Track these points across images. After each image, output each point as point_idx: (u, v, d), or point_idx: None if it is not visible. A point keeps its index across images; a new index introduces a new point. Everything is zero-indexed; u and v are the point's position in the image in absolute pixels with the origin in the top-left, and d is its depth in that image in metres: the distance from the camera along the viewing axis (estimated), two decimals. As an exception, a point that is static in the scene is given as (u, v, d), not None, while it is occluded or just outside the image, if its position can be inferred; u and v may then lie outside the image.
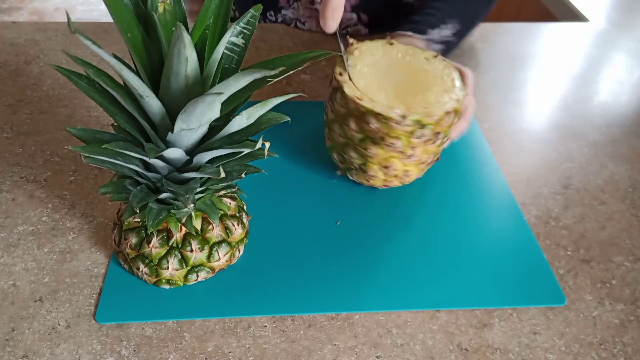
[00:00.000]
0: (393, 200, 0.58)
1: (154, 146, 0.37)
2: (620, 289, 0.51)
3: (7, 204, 0.55)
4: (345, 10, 0.83)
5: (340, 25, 0.55)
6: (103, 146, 0.36)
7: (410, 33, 0.67)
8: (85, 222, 0.54)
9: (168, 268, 0.45)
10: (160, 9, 0.36)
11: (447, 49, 0.72)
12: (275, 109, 0.40)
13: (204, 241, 0.45)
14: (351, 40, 0.54)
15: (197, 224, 0.45)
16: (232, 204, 0.48)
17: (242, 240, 0.49)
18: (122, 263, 0.48)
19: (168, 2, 0.36)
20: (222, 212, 0.46)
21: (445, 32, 0.69)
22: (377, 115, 0.47)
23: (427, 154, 0.51)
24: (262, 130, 0.40)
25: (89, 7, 2.73)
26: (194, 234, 0.45)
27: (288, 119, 0.42)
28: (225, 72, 0.40)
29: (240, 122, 0.38)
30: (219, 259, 0.47)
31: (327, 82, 0.76)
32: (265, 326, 0.46)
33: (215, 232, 0.46)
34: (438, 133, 0.49)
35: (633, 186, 0.63)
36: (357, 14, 0.85)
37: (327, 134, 0.56)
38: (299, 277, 0.49)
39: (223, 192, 0.47)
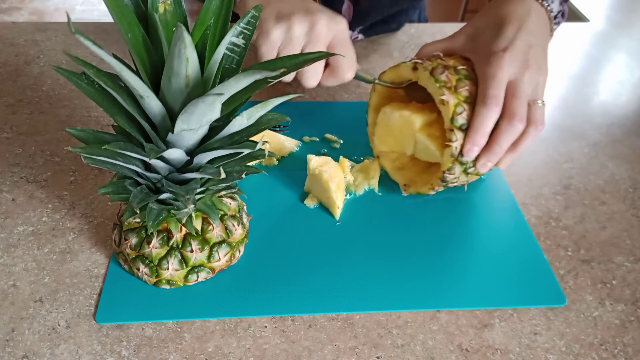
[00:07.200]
0: (393, 200, 0.58)
1: (154, 147, 0.37)
2: (621, 289, 0.51)
3: (7, 204, 0.55)
4: None
5: None
6: (103, 147, 0.36)
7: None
8: (85, 222, 0.54)
9: (168, 268, 0.45)
10: (161, 9, 0.36)
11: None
12: (275, 109, 0.40)
13: (204, 241, 0.45)
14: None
15: (198, 224, 0.45)
16: (233, 204, 0.48)
17: (242, 240, 0.49)
18: (122, 263, 0.48)
19: (169, 2, 0.36)
20: (222, 212, 0.46)
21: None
22: None
23: None
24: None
25: (89, 7, 2.73)
26: (194, 234, 0.45)
27: (288, 119, 0.42)
28: (226, 72, 0.40)
29: (240, 122, 0.38)
30: (219, 259, 0.47)
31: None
32: (266, 326, 0.46)
33: (216, 232, 0.46)
34: None
35: (634, 186, 0.63)
36: (352, 29, 0.86)
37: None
38: (299, 278, 0.49)
39: (223, 192, 0.47)
